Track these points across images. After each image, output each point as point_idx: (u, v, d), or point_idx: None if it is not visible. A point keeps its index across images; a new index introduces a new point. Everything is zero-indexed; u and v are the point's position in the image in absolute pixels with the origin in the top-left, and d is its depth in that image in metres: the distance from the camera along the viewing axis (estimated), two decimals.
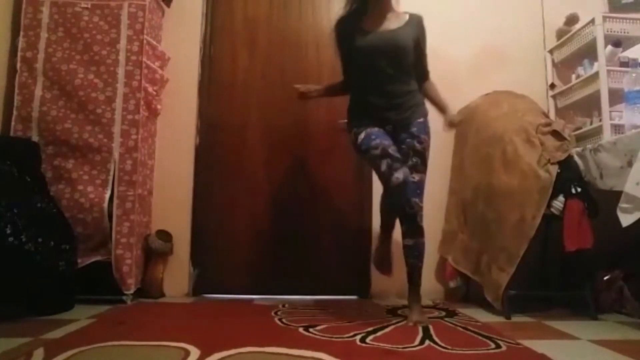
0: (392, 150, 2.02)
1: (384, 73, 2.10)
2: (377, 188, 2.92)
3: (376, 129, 2.10)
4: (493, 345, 1.67)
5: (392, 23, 2.17)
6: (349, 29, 2.17)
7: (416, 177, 2.09)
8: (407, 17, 2.21)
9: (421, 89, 2.26)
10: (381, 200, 2.31)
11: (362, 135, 2.10)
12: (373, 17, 2.17)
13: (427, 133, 2.17)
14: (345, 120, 2.26)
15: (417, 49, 2.19)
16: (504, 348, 1.64)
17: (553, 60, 3.03)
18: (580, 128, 2.66)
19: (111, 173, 2.45)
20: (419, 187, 2.10)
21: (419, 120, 2.15)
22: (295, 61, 3.01)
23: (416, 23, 2.21)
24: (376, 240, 2.41)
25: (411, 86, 2.18)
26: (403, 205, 2.05)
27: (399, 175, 1.95)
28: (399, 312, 2.31)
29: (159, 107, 2.79)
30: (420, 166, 2.12)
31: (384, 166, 1.98)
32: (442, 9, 3.09)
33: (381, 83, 2.11)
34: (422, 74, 2.26)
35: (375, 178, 2.92)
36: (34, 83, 2.48)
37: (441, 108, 2.23)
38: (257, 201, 2.91)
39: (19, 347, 1.56)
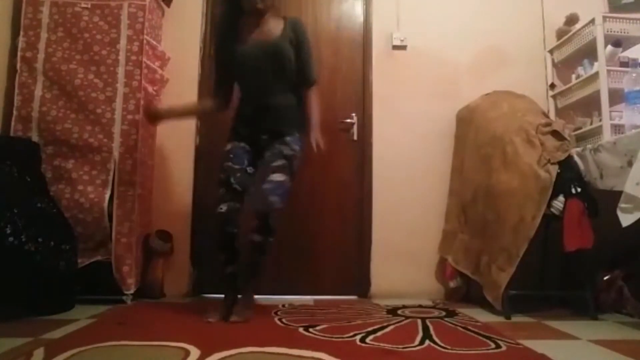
0: (234, 179, 2.08)
1: (264, 85, 2.14)
2: (378, 188, 2.94)
3: (242, 144, 2.17)
4: (493, 345, 1.67)
5: (270, 32, 2.16)
6: (227, 37, 2.17)
7: (281, 177, 2.05)
8: (282, 22, 2.20)
9: (304, 96, 2.24)
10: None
11: (227, 147, 2.19)
12: (250, 24, 2.16)
13: (300, 147, 2.18)
14: None
15: (299, 54, 2.18)
16: (504, 348, 1.64)
17: (553, 60, 3.03)
18: (580, 128, 2.66)
19: (111, 173, 2.45)
20: (280, 186, 2.04)
21: (295, 135, 2.17)
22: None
23: (292, 28, 2.18)
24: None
25: (291, 100, 2.20)
26: (258, 202, 2.02)
27: (224, 207, 2.04)
28: (399, 312, 2.31)
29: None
30: (287, 169, 2.09)
31: (220, 193, 2.09)
32: (442, 9, 3.10)
33: (260, 95, 2.15)
34: (305, 81, 2.23)
35: (375, 178, 2.94)
36: (34, 83, 2.48)
37: (310, 124, 2.21)
38: None
39: (19, 347, 1.55)
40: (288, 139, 2.15)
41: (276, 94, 2.16)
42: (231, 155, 2.14)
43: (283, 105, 2.17)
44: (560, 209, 2.18)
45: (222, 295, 2.19)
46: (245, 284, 2.15)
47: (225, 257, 2.13)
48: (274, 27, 2.18)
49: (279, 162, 2.08)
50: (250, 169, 2.15)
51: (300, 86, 2.23)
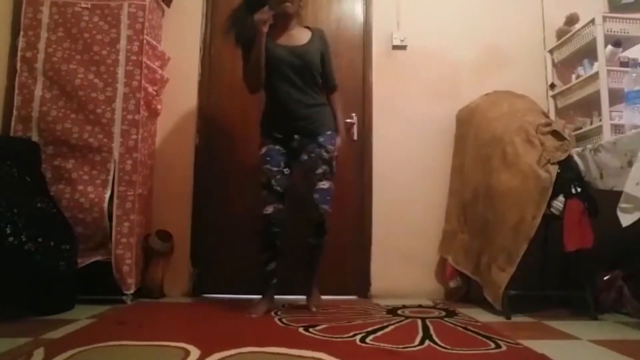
0: (275, 180, 2.21)
1: (294, 86, 2.23)
2: (378, 188, 2.94)
3: (277, 147, 2.26)
4: (493, 345, 1.67)
5: (299, 38, 2.29)
6: (253, 34, 2.17)
7: (326, 184, 2.21)
8: (309, 32, 2.33)
9: (329, 100, 2.41)
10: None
11: (262, 150, 2.28)
12: (278, 31, 2.27)
13: (334, 144, 2.30)
14: None
15: (323, 62, 2.33)
16: (504, 348, 1.64)
17: (553, 60, 3.03)
18: (580, 128, 2.66)
19: (111, 173, 2.45)
20: (329, 193, 2.22)
21: (327, 132, 2.29)
22: None
23: (319, 38, 2.34)
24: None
25: (319, 100, 2.33)
26: (312, 212, 2.20)
27: (269, 209, 2.19)
28: (399, 312, 2.31)
29: (159, 107, 2.79)
30: (329, 174, 2.24)
31: (263, 195, 2.23)
32: (443, 9, 3.10)
33: (291, 95, 2.24)
34: (329, 86, 2.41)
35: (375, 178, 2.94)
36: (34, 83, 2.48)
37: (336, 128, 2.39)
38: (257, 201, 2.89)
39: (19, 347, 1.56)
40: (321, 139, 2.25)
41: (305, 96, 2.26)
42: (268, 158, 2.24)
43: (312, 106, 2.28)
44: (560, 209, 2.18)
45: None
46: (310, 280, 2.39)
47: (268, 255, 2.28)
48: (301, 34, 2.32)
49: (322, 169, 2.22)
50: (286, 170, 2.27)
51: (325, 90, 2.40)
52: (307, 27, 2.39)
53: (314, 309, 2.27)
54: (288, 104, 2.25)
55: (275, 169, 2.22)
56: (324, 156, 2.23)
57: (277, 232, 2.22)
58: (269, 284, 2.33)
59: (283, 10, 2.21)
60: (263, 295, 2.32)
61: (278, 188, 2.20)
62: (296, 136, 2.27)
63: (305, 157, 2.25)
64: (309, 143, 2.25)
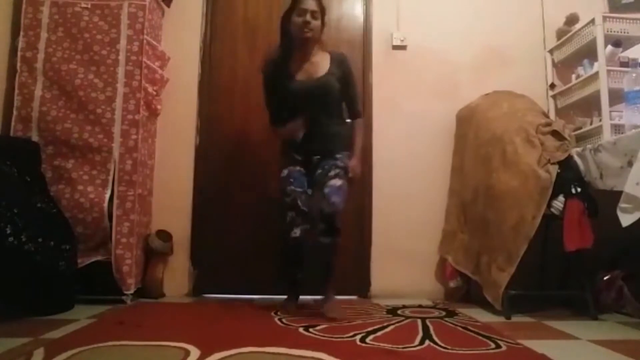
0: (301, 201, 2.18)
1: (315, 115, 2.26)
2: (377, 188, 2.94)
3: (298, 168, 2.28)
4: (493, 345, 1.67)
5: (318, 68, 2.30)
6: (278, 74, 2.29)
7: (339, 182, 2.18)
8: (329, 57, 2.33)
9: (351, 125, 2.41)
10: (282, 252, 2.39)
11: (284, 173, 2.28)
12: (298, 61, 2.30)
13: (348, 163, 2.29)
14: None
15: (345, 87, 2.32)
16: (504, 348, 1.64)
17: (553, 60, 3.03)
18: (580, 128, 2.66)
19: (111, 173, 2.45)
20: (342, 190, 2.18)
21: (344, 153, 2.30)
22: None
23: (339, 63, 2.33)
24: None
25: (339, 126, 2.35)
26: (322, 205, 2.13)
27: (297, 231, 2.14)
28: (399, 312, 2.31)
29: (159, 107, 2.79)
30: (343, 176, 2.22)
31: (288, 218, 2.17)
32: (442, 9, 3.10)
33: (311, 124, 2.26)
34: (351, 112, 2.41)
35: (375, 178, 2.94)
36: (34, 83, 2.48)
37: (350, 153, 2.36)
38: (257, 201, 2.90)
39: (19, 347, 1.55)
40: (338, 156, 2.28)
41: (324, 122, 2.29)
42: (292, 180, 2.24)
43: (331, 132, 2.31)
44: (560, 209, 2.18)
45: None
46: (325, 285, 2.28)
47: (294, 269, 2.37)
48: (321, 60, 2.32)
49: (335, 171, 2.21)
50: (309, 191, 2.26)
51: (349, 115, 2.42)
52: (329, 52, 2.37)
53: (331, 316, 2.11)
54: (310, 130, 2.27)
55: (300, 189, 2.22)
56: (339, 164, 2.25)
57: (305, 252, 2.25)
58: (293, 290, 2.41)
59: (304, 37, 2.23)
60: (289, 297, 2.40)
61: (304, 208, 2.18)
62: (316, 157, 2.30)
63: (319, 170, 2.26)
64: (327, 161, 2.27)
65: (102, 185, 2.43)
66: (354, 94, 2.40)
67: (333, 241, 2.17)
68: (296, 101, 2.28)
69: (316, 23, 2.24)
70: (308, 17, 2.21)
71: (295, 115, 2.28)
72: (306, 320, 2.06)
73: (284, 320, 2.08)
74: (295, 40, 2.26)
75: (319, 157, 2.29)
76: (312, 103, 2.26)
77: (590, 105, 2.63)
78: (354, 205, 2.94)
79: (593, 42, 2.56)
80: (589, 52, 2.65)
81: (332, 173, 2.21)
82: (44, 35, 2.50)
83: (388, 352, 1.58)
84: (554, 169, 2.19)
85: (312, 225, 2.16)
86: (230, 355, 1.48)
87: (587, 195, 2.19)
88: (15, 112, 2.45)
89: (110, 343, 1.60)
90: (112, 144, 2.47)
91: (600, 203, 2.17)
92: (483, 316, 2.26)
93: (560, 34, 2.95)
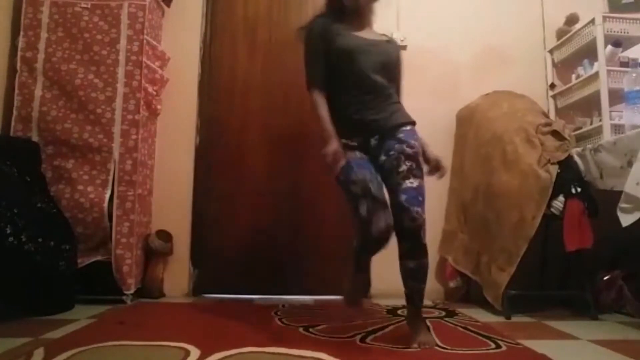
0: (374, 187, 1.69)
1: (375, 83, 1.84)
2: None
3: (358, 154, 1.81)
4: (493, 345, 1.67)
5: (378, 35, 1.99)
6: (330, 28, 1.87)
7: (414, 182, 1.76)
8: (383, 36, 2.03)
9: None
10: (355, 244, 1.91)
11: (342, 162, 1.74)
12: (353, 25, 1.91)
13: (417, 140, 1.87)
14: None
15: (397, 64, 2.00)
16: (504, 348, 1.64)
17: (553, 60, 3.03)
18: (580, 128, 2.66)
19: (111, 173, 2.45)
20: (420, 193, 1.76)
21: (407, 128, 1.86)
22: (295, 60, 3.00)
23: (394, 43, 2.07)
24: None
25: (397, 98, 1.96)
26: (401, 220, 1.72)
27: (381, 224, 1.63)
28: (399, 312, 2.31)
29: (159, 107, 2.78)
30: (416, 170, 1.79)
31: (363, 209, 1.65)
32: (442, 8, 3.10)
33: (370, 93, 1.84)
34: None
35: None
36: (34, 83, 2.48)
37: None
38: (257, 201, 2.91)
39: (19, 347, 1.56)
40: (400, 135, 1.82)
41: (387, 93, 1.88)
42: (354, 166, 1.74)
43: (392, 103, 1.90)
44: (560, 209, 2.18)
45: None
46: (414, 314, 1.81)
47: (365, 270, 2.00)
48: (375, 35, 1.97)
49: (405, 166, 1.77)
50: (379, 177, 1.79)
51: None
52: (383, 35, 2.06)
53: (425, 346, 1.68)
54: (364, 105, 1.84)
55: (369, 175, 1.73)
56: (407, 151, 1.78)
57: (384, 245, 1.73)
58: (366, 287, 2.17)
59: (358, 4, 1.88)
60: (356, 297, 2.04)
61: (381, 196, 1.71)
62: (373, 140, 1.84)
63: (383, 157, 1.81)
64: (388, 140, 1.82)
65: (102, 185, 2.43)
66: (401, 77, 2.03)
67: (421, 263, 1.76)
68: (355, 62, 1.83)
69: None
70: None
71: (352, 87, 1.84)
72: (306, 320, 2.05)
73: (284, 320, 2.08)
74: (347, 7, 1.89)
75: (375, 139, 1.84)
76: (374, 67, 1.84)
77: (590, 105, 2.63)
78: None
79: (593, 42, 2.56)
80: (589, 52, 2.65)
81: (402, 168, 1.76)
82: (44, 35, 2.50)
83: (388, 352, 1.58)
84: (554, 169, 2.20)
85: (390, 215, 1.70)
86: (230, 355, 1.48)
87: (587, 195, 2.19)
88: (15, 112, 2.45)
89: (110, 343, 1.60)
90: (112, 144, 2.46)
91: (600, 203, 2.17)
92: (483, 316, 2.26)
93: (560, 34, 2.95)
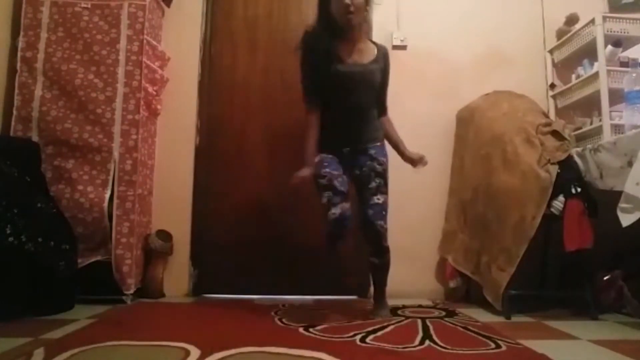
0: (337, 182, 2.05)
1: (357, 104, 2.17)
2: None
3: (330, 155, 2.15)
4: (493, 345, 1.67)
5: (364, 56, 2.21)
6: (324, 50, 2.13)
7: (381, 198, 2.14)
8: (375, 49, 2.25)
9: (381, 121, 2.34)
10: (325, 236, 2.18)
11: (316, 159, 2.14)
12: (344, 45, 2.18)
13: (385, 156, 2.23)
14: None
15: (382, 81, 2.26)
16: (504, 348, 1.64)
17: (553, 60, 3.03)
18: (580, 128, 2.66)
19: (111, 173, 2.45)
20: (384, 208, 2.15)
21: (377, 144, 2.22)
22: (295, 61, 2.99)
23: (383, 56, 2.26)
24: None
25: (375, 115, 2.27)
26: (368, 230, 2.12)
27: (336, 211, 1.99)
28: (399, 312, 2.31)
29: (159, 107, 2.79)
30: (383, 187, 2.17)
31: (324, 199, 2.03)
32: (442, 8, 3.10)
33: (351, 112, 2.17)
34: (380, 108, 2.33)
35: None
36: (34, 83, 2.48)
37: (399, 149, 2.36)
38: (258, 201, 2.90)
39: (19, 347, 1.56)
40: (372, 152, 2.19)
41: (366, 112, 2.22)
42: (325, 164, 2.11)
43: (367, 120, 2.22)
44: (560, 209, 2.18)
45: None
46: (379, 295, 2.28)
47: (338, 249, 2.21)
48: (367, 49, 2.24)
49: (375, 183, 2.15)
50: (345, 177, 2.14)
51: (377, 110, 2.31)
52: (374, 43, 2.30)
53: (376, 318, 2.14)
54: (344, 122, 2.17)
55: (335, 172, 2.09)
56: (377, 169, 2.16)
57: (345, 233, 2.07)
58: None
59: (347, 22, 2.11)
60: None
61: (342, 189, 2.05)
62: (345, 149, 2.18)
63: (357, 172, 2.18)
64: (359, 156, 2.18)
65: (102, 185, 2.43)
66: (386, 90, 2.33)
67: (383, 260, 2.19)
68: (339, 85, 2.15)
69: (359, 2, 2.09)
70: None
71: (337, 106, 2.17)
72: (306, 320, 2.05)
73: (284, 320, 2.08)
74: (338, 22, 2.12)
75: (348, 149, 2.18)
76: (355, 89, 2.16)
77: (590, 105, 2.63)
78: (354, 205, 2.94)
79: (593, 42, 2.56)
80: (589, 52, 2.65)
81: (371, 185, 2.14)
82: (44, 35, 2.50)
83: (388, 352, 1.58)
84: (554, 169, 2.19)
85: (351, 205, 2.06)
86: (230, 355, 1.48)
87: (587, 195, 2.19)
88: (15, 112, 2.45)
89: (110, 343, 1.60)
90: (112, 144, 2.47)
91: (600, 203, 2.17)
92: (483, 316, 2.26)
93: (560, 34, 2.95)
